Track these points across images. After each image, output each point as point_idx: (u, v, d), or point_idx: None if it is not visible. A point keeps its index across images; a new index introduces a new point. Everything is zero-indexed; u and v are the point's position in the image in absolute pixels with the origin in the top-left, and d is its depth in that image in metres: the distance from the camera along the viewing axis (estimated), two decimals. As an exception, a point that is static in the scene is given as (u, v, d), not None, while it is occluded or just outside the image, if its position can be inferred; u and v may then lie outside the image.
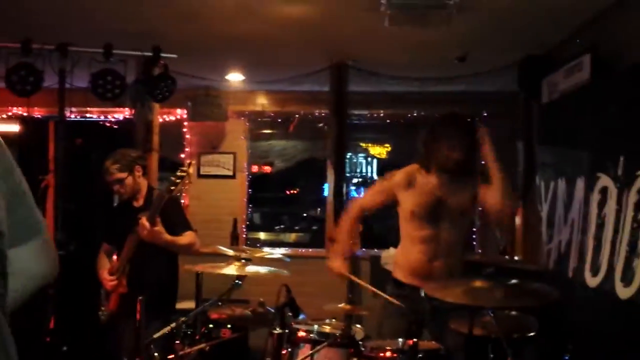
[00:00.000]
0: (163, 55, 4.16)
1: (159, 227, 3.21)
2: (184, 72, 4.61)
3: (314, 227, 7.67)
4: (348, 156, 6.89)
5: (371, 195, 3.37)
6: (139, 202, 3.50)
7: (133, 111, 4.70)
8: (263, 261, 3.08)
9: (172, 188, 3.12)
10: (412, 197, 3.09)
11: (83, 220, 5.57)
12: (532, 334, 2.80)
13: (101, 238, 3.68)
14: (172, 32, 3.99)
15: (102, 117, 5.82)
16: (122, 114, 5.63)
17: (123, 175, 3.42)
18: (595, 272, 3.22)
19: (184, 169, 3.16)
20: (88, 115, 5.68)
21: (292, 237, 7.95)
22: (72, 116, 5.03)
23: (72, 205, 5.21)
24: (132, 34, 3.98)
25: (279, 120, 6.02)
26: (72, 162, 5.01)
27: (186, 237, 3.41)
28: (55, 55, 4.09)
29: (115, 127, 5.84)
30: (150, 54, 4.15)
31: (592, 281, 3.25)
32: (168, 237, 3.27)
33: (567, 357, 2.50)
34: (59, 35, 4.02)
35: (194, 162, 3.58)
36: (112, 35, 4.06)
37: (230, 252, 3.08)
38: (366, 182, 7.42)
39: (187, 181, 3.15)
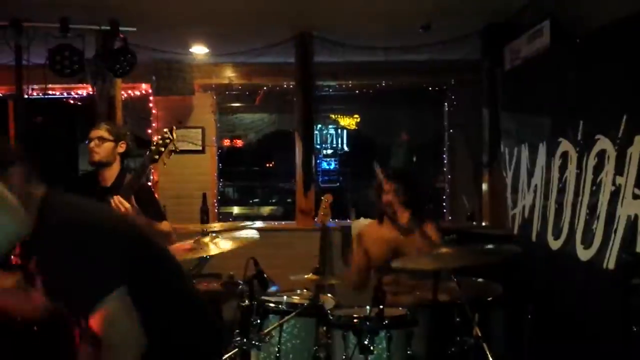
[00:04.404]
0: (122, 28, 4.06)
1: (134, 207, 2.99)
2: (145, 46, 4.51)
3: (288, 200, 7.67)
4: (318, 128, 6.85)
5: None
6: (107, 182, 3.26)
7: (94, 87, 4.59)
8: (233, 235, 3.08)
9: (156, 157, 2.94)
10: None
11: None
12: (497, 298, 2.86)
13: None
14: (130, 4, 3.88)
15: (64, 94, 5.70)
16: (85, 90, 5.51)
17: (109, 137, 3.24)
18: (557, 235, 3.29)
19: (166, 135, 2.97)
20: (50, 92, 5.53)
21: (266, 210, 7.94)
22: (34, 94, 4.89)
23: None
24: (88, 7, 3.86)
25: (247, 93, 5.95)
26: (33, 140, 4.88)
27: (164, 225, 3.22)
28: (10, 31, 3.95)
29: (78, 104, 5.72)
30: (108, 27, 4.04)
31: (555, 244, 3.32)
32: (144, 219, 3.05)
33: (529, 318, 2.57)
34: (12, 10, 3.89)
35: (175, 127, 3.12)
36: (68, 9, 3.94)
37: (195, 228, 3.07)
38: (336, 154, 7.41)
39: (171, 148, 2.97)
